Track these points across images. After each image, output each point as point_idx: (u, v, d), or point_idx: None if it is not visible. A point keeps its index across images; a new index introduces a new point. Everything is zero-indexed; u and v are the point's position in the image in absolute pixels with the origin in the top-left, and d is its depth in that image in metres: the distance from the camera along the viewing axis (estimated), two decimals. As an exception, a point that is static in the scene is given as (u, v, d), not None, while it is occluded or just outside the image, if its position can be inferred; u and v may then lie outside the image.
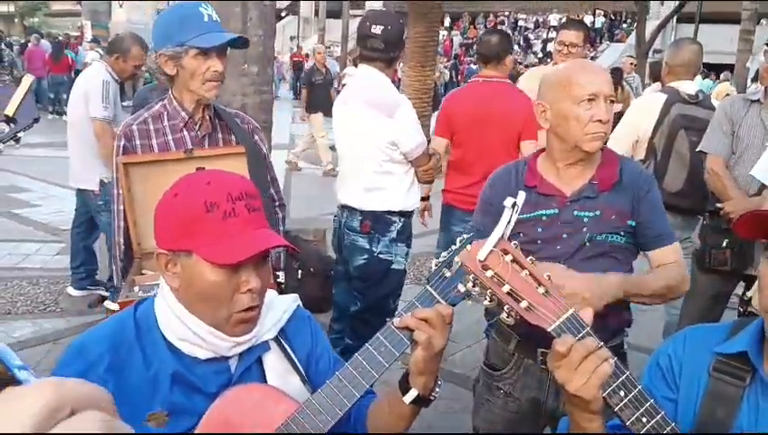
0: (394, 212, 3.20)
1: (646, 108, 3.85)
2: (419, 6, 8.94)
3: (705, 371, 1.25)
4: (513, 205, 1.20)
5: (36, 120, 2.23)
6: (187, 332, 1.32)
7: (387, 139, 3.08)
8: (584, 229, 2.05)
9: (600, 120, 1.97)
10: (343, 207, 3.28)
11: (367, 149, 3.13)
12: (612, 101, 2.00)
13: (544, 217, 2.08)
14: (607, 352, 1.13)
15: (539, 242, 2.08)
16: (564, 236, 2.06)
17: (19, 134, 2.16)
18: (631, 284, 2.00)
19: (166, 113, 2.37)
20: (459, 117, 3.77)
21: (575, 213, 2.06)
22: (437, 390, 1.38)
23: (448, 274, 1.29)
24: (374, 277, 3.22)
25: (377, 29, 3.17)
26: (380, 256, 3.20)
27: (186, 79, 2.28)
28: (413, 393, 1.32)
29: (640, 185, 2.09)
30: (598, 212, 2.05)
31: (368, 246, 3.21)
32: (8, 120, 2.10)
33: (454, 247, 1.30)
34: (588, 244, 2.06)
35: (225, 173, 1.36)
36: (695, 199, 3.56)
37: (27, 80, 2.24)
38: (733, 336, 1.27)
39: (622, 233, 2.07)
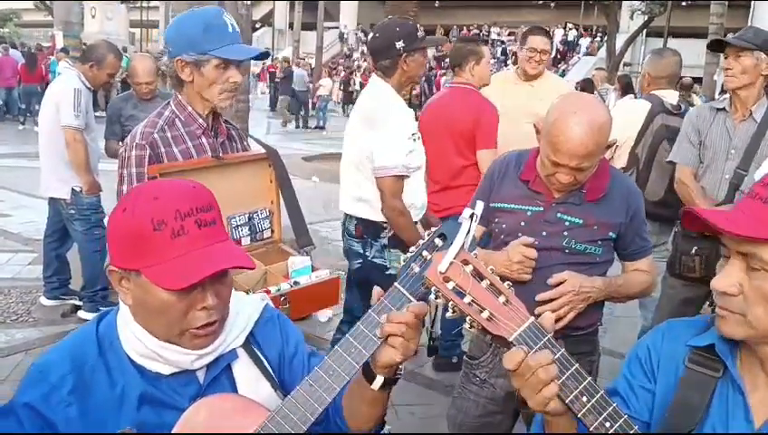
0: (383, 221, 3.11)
1: (629, 115, 3.84)
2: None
3: (682, 362, 1.28)
4: (472, 216, 1.19)
5: None
6: (146, 349, 1.29)
7: (366, 151, 3.00)
8: (564, 232, 2.12)
9: (560, 182, 2.04)
10: (345, 213, 3.26)
11: (354, 159, 3.10)
12: (581, 169, 2.00)
13: (529, 213, 2.16)
14: (555, 370, 1.13)
15: (519, 235, 2.15)
16: (544, 233, 2.13)
17: None
18: (614, 289, 2.18)
19: (178, 119, 2.32)
20: (422, 124, 3.72)
21: (558, 215, 2.13)
22: (402, 368, 1.35)
23: (417, 269, 1.27)
24: (370, 281, 3.10)
25: (369, 39, 3.18)
26: (374, 260, 3.16)
27: (202, 86, 2.27)
28: (380, 380, 1.30)
29: (629, 203, 2.16)
30: (580, 220, 2.12)
31: (362, 251, 3.19)
32: None
33: (421, 242, 1.29)
34: (567, 251, 2.13)
35: (174, 184, 1.31)
36: (675, 209, 3.54)
37: None
38: (708, 329, 1.29)
39: (600, 243, 2.14)
